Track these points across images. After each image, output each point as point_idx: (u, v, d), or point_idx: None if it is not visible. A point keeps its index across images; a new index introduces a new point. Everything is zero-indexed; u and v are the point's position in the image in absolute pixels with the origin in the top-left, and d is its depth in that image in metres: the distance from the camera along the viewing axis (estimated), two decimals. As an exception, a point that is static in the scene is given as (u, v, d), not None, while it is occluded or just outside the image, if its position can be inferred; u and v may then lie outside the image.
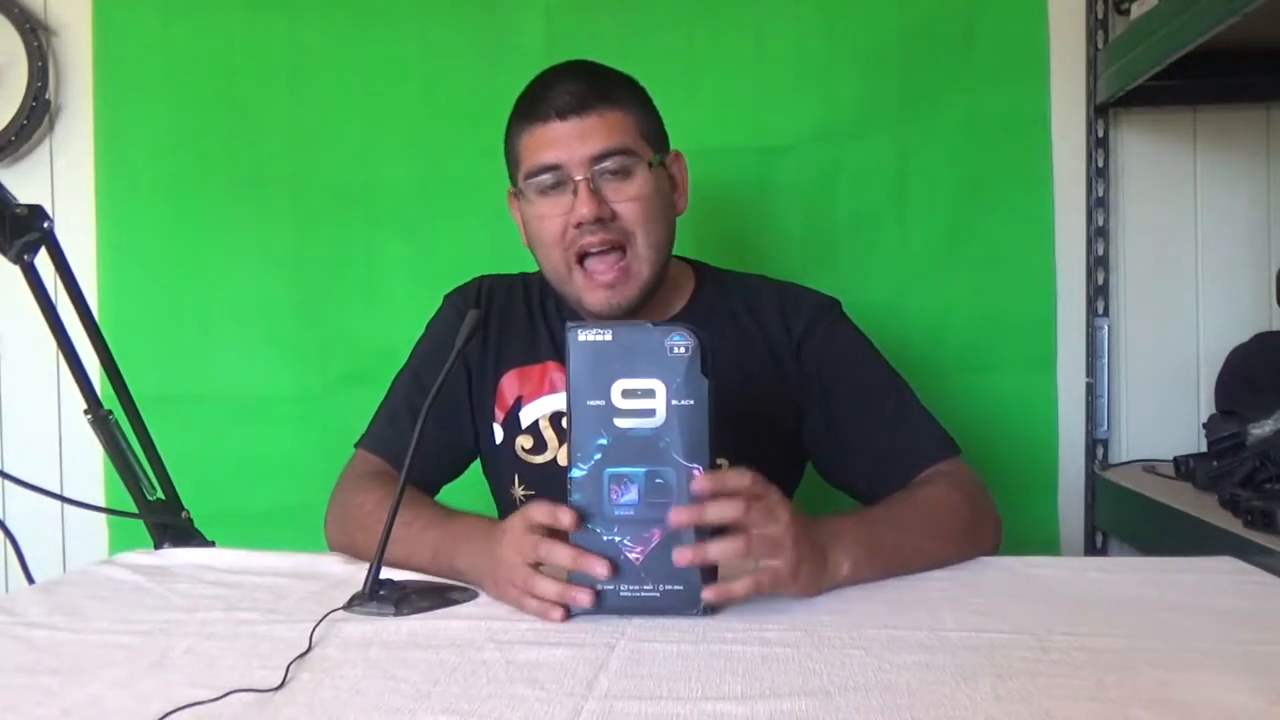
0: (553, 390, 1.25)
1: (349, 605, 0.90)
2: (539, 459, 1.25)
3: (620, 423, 0.86)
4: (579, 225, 1.15)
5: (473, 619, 0.88)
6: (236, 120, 1.92)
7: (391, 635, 0.84)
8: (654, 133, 1.22)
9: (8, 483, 1.55)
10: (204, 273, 1.94)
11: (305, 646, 0.80)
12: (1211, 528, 1.31)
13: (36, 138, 1.99)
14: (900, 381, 1.22)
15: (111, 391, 1.19)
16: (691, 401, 0.85)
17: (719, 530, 0.87)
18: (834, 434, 1.22)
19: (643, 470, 0.86)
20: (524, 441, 1.25)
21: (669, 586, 0.86)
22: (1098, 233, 1.81)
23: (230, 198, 1.92)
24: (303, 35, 1.90)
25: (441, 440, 1.24)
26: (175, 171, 1.93)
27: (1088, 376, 1.82)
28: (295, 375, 1.92)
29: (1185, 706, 0.66)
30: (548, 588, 0.87)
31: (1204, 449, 1.59)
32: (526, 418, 1.25)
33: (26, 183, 1.94)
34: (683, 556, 0.85)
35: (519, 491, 1.26)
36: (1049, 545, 1.80)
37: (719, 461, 0.90)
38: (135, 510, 1.18)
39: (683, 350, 0.85)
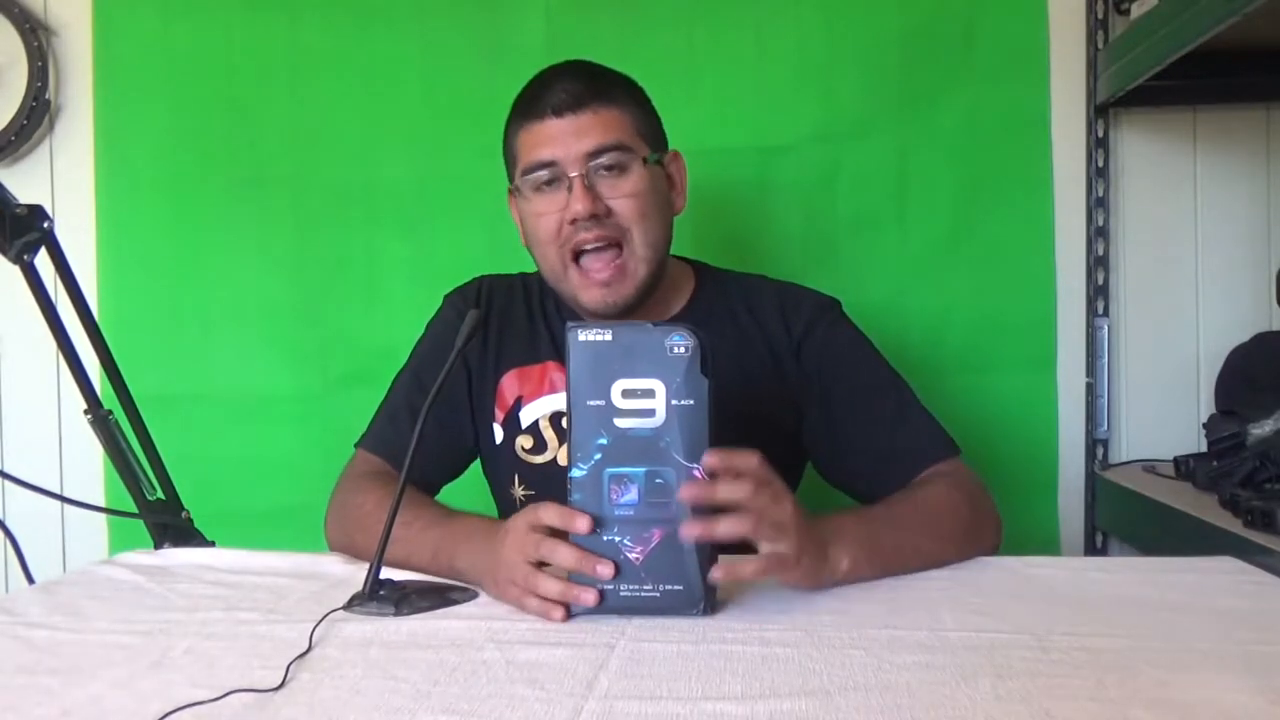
0: (553, 390, 1.25)
1: (349, 605, 0.90)
2: (539, 459, 1.25)
3: (620, 423, 0.86)
4: (574, 222, 1.16)
5: (473, 619, 0.88)
6: (236, 120, 1.92)
7: (391, 635, 0.84)
8: (651, 131, 1.22)
9: (8, 483, 1.55)
10: (204, 273, 1.94)
11: (305, 646, 0.80)
12: (1211, 528, 1.31)
13: (36, 138, 1.99)
14: (900, 381, 1.22)
15: (111, 391, 1.19)
16: (691, 401, 0.85)
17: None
18: (834, 434, 1.22)
19: (643, 470, 0.86)
20: (524, 441, 1.25)
21: (669, 586, 0.86)
22: (1098, 233, 1.81)
23: (230, 198, 1.92)
24: (303, 35, 1.91)
25: (441, 440, 1.24)
26: (175, 171, 1.93)
27: (1088, 376, 1.82)
28: (295, 375, 1.92)
29: (1185, 706, 0.66)
30: (550, 586, 0.87)
31: (1204, 449, 1.60)
32: (526, 418, 1.25)
33: (26, 183, 1.94)
34: (690, 531, 0.85)
35: (519, 491, 1.26)
36: (1049, 545, 1.80)
37: None
38: (135, 510, 1.18)
39: (683, 350, 0.85)
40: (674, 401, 0.85)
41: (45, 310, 1.14)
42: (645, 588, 0.86)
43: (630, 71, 1.24)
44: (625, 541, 0.86)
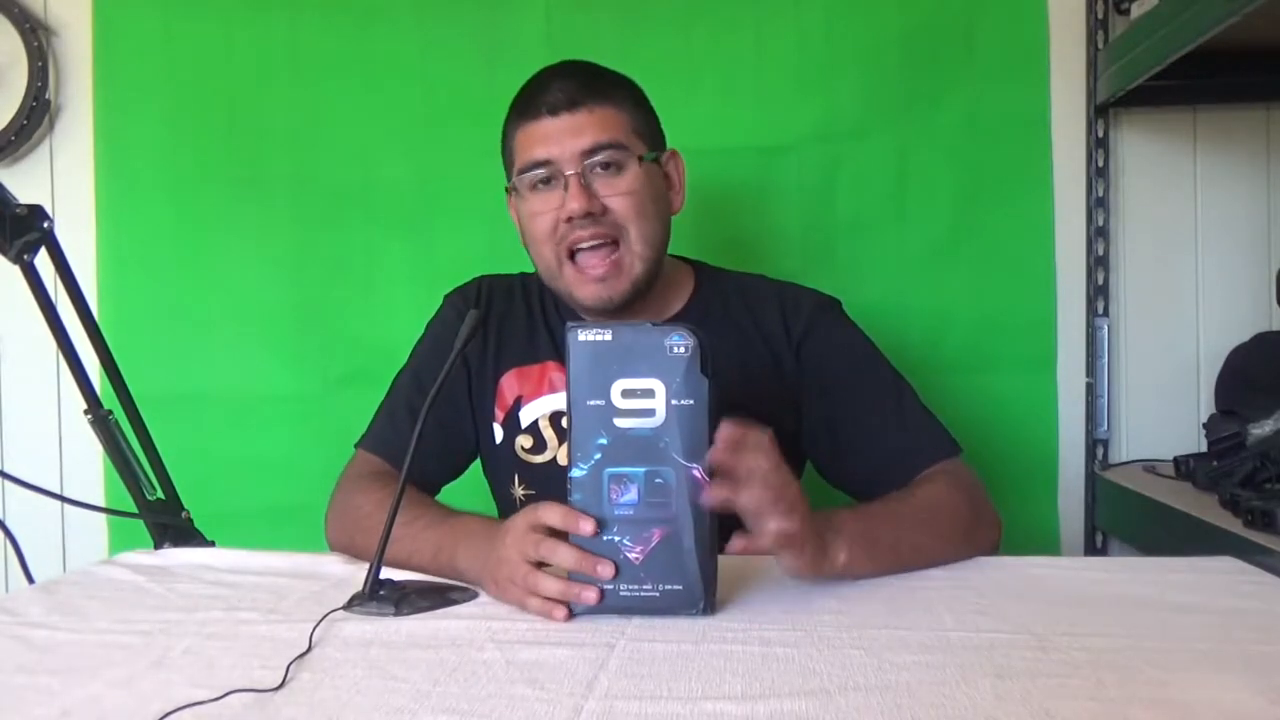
0: (552, 390, 1.25)
1: (349, 605, 0.90)
2: (539, 459, 1.25)
3: (620, 422, 0.86)
4: (569, 220, 1.16)
5: (473, 619, 0.88)
6: (236, 120, 1.92)
7: (391, 635, 0.84)
8: (648, 130, 1.22)
9: (8, 483, 1.55)
10: (204, 273, 1.93)
11: (305, 646, 0.80)
12: (1211, 528, 1.30)
13: (36, 138, 1.99)
14: (900, 381, 1.23)
15: (111, 391, 1.19)
16: (691, 401, 0.85)
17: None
18: (834, 434, 1.22)
19: (642, 470, 0.86)
20: (524, 441, 1.25)
21: (669, 586, 0.86)
22: (1098, 233, 1.81)
23: (230, 198, 1.92)
24: (303, 35, 1.90)
25: (441, 440, 1.25)
26: (175, 171, 1.93)
27: (1088, 376, 1.82)
28: (295, 375, 1.92)
29: (1185, 706, 0.66)
30: (551, 586, 0.87)
31: (1204, 449, 1.60)
32: (526, 417, 1.26)
33: (26, 183, 1.94)
34: (715, 495, 0.84)
35: (519, 491, 1.26)
36: (1049, 545, 1.80)
37: None
38: (135, 510, 1.18)
39: (682, 350, 0.85)
40: (674, 401, 0.85)
41: (45, 310, 1.14)
42: (645, 587, 0.86)
43: (630, 71, 1.24)
44: (625, 541, 0.86)
